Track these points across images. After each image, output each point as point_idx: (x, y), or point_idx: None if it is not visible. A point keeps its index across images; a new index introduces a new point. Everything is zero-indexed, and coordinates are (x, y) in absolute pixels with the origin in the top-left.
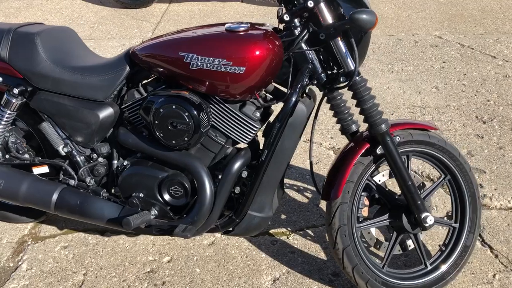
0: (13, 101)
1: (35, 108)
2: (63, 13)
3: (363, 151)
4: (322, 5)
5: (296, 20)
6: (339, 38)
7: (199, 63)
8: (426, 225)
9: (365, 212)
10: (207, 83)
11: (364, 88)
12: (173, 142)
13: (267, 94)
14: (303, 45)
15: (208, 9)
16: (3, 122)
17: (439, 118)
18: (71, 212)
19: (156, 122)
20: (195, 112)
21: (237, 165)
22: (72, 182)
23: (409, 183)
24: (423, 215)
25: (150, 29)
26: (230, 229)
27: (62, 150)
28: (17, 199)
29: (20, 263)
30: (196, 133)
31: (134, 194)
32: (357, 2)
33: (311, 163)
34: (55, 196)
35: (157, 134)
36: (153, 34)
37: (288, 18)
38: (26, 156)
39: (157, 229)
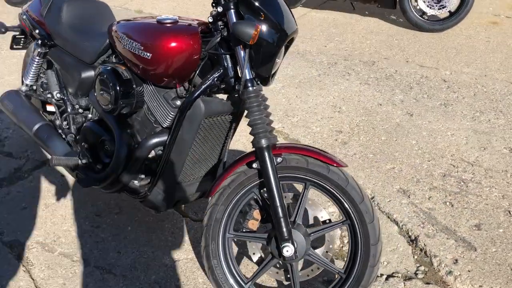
0: (38, 49)
1: (49, 58)
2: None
3: (246, 162)
4: (232, 12)
5: (219, 23)
6: (240, 47)
7: (126, 43)
8: (284, 255)
9: (252, 224)
10: (129, 61)
11: (253, 100)
12: (103, 106)
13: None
14: (220, 49)
15: (342, 20)
16: (34, 65)
17: (479, 180)
18: (40, 140)
19: (95, 86)
20: (118, 85)
21: (150, 141)
22: (57, 122)
23: (278, 206)
24: (283, 244)
25: None
26: (142, 199)
27: (55, 95)
28: (16, 120)
29: None
30: (116, 104)
31: (81, 143)
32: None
33: (224, 163)
34: (36, 126)
35: (95, 97)
36: None
37: (211, 20)
38: (46, 94)
39: (80, 175)
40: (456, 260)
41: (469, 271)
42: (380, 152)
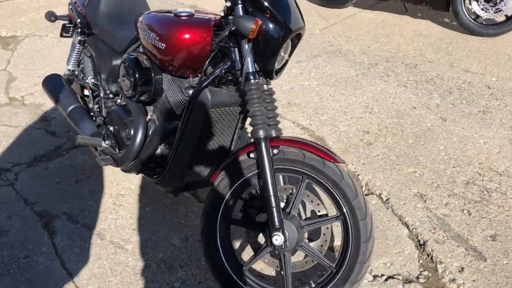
0: (78, 37)
1: (87, 45)
2: None
3: (246, 151)
4: (239, 7)
5: (229, 17)
6: (245, 40)
7: (145, 34)
8: (274, 244)
9: (252, 213)
10: (148, 51)
11: (254, 92)
12: (124, 91)
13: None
14: (230, 42)
15: (392, 21)
16: (75, 52)
17: (504, 191)
18: (72, 120)
19: (119, 73)
20: (137, 72)
21: (164, 127)
22: (90, 105)
23: (271, 196)
24: (273, 233)
25: (320, 27)
26: (157, 181)
27: (90, 80)
28: (54, 101)
29: None
30: (134, 90)
31: (107, 126)
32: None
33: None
34: (70, 108)
35: (119, 83)
36: (320, 32)
37: (222, 14)
38: (83, 79)
39: (102, 154)
40: (462, 269)
41: (473, 281)
42: (404, 155)
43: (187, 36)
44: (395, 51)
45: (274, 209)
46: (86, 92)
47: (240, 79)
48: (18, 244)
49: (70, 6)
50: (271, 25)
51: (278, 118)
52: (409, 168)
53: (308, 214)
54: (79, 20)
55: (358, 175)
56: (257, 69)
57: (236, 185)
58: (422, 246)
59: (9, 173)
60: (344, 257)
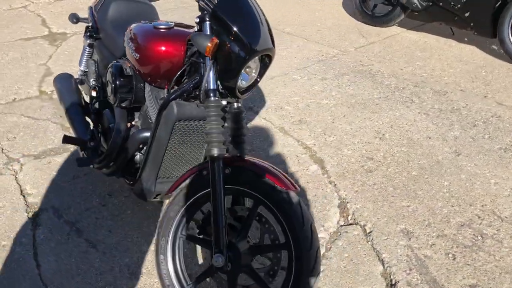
0: (88, 41)
1: (94, 49)
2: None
3: (201, 169)
4: (206, 24)
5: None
6: (208, 58)
7: (127, 42)
8: (214, 264)
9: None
10: (129, 60)
11: (212, 109)
12: (108, 96)
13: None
14: (200, 58)
15: (434, 44)
16: (85, 54)
17: (501, 238)
18: (68, 118)
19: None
20: (118, 79)
21: (139, 134)
22: (91, 107)
23: (218, 215)
24: (215, 254)
25: (357, 45)
26: (132, 186)
27: (91, 82)
28: (58, 97)
29: None
30: (115, 95)
31: (97, 128)
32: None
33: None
34: (68, 106)
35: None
36: (355, 50)
37: (196, 29)
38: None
39: (84, 155)
40: None
41: None
42: (402, 187)
43: (159, 48)
44: (427, 76)
45: (219, 229)
46: (93, 93)
47: (201, 95)
48: (2, 231)
49: (89, 10)
50: (234, 44)
51: (244, 137)
52: (403, 202)
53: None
54: (90, 24)
55: (347, 202)
56: (221, 87)
57: (191, 200)
58: (393, 287)
59: (16, 163)
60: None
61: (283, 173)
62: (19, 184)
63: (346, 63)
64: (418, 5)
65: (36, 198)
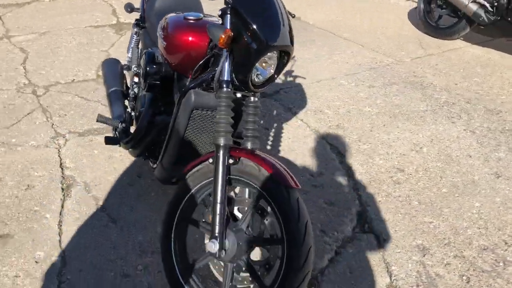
0: (135, 29)
1: (139, 37)
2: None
3: (210, 156)
4: (227, 17)
5: None
6: (225, 49)
7: (159, 31)
8: (208, 250)
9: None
10: (160, 48)
11: (223, 100)
12: (141, 81)
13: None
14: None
15: (498, 61)
16: (133, 41)
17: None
18: (108, 101)
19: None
20: (148, 65)
21: (163, 120)
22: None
23: (217, 203)
24: (210, 239)
25: (414, 55)
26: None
27: (133, 68)
28: (103, 81)
29: None
30: (144, 81)
31: (130, 111)
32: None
33: None
34: (110, 90)
35: None
36: (410, 60)
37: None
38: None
39: (115, 134)
40: None
41: None
42: (428, 202)
43: (184, 38)
44: (483, 93)
45: (217, 217)
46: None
47: (214, 86)
48: (37, 198)
49: (141, 1)
50: (249, 38)
51: (257, 132)
52: (426, 218)
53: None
54: (139, 13)
55: (366, 211)
56: (233, 79)
57: (197, 187)
58: None
59: (62, 138)
60: (275, 281)
61: (287, 169)
62: (60, 157)
63: (398, 73)
64: (485, 18)
65: (72, 172)
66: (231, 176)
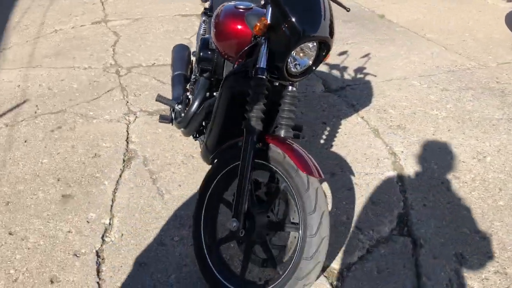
0: (203, 17)
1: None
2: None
3: (240, 140)
4: (268, 6)
5: None
6: (262, 38)
7: (212, 19)
8: (229, 227)
9: None
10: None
11: (258, 88)
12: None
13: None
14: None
15: None
16: (201, 29)
17: None
18: (172, 83)
19: None
20: (202, 51)
21: (207, 103)
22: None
23: (242, 184)
24: (232, 219)
25: (502, 60)
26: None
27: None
28: (171, 64)
29: None
30: (198, 65)
31: (188, 94)
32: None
33: None
34: (175, 73)
35: None
36: (496, 65)
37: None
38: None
39: (171, 114)
40: None
41: None
42: (479, 213)
43: (231, 26)
44: None
45: (240, 197)
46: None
47: (249, 72)
48: (100, 166)
49: None
50: (286, 28)
51: (291, 121)
52: (472, 228)
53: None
54: (207, 3)
55: (409, 214)
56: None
57: (228, 168)
58: None
59: (132, 115)
60: (286, 267)
61: (312, 160)
62: (127, 132)
63: (478, 78)
64: None
65: (135, 146)
66: (257, 160)
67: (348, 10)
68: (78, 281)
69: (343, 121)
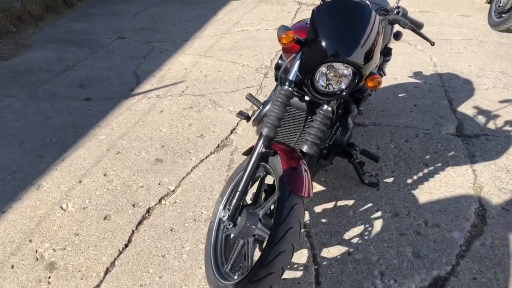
0: None
1: None
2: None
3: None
4: (308, 19)
5: None
6: (297, 52)
7: None
8: (220, 216)
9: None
10: None
11: (281, 96)
12: None
13: None
14: None
15: None
16: None
17: None
18: None
19: None
20: (280, 58)
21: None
22: None
23: (241, 182)
24: (225, 208)
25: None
26: None
27: None
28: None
29: None
30: (275, 71)
31: None
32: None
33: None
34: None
35: None
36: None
37: None
38: None
39: (253, 111)
40: None
41: None
42: None
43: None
44: None
45: (237, 193)
46: None
47: (279, 80)
48: (198, 145)
49: None
50: (315, 45)
51: (318, 139)
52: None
53: None
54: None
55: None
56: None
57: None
58: None
59: (250, 111)
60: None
61: (308, 179)
62: (237, 124)
63: None
64: None
65: (234, 137)
66: (263, 163)
67: (432, 44)
68: (123, 225)
69: (448, 169)
